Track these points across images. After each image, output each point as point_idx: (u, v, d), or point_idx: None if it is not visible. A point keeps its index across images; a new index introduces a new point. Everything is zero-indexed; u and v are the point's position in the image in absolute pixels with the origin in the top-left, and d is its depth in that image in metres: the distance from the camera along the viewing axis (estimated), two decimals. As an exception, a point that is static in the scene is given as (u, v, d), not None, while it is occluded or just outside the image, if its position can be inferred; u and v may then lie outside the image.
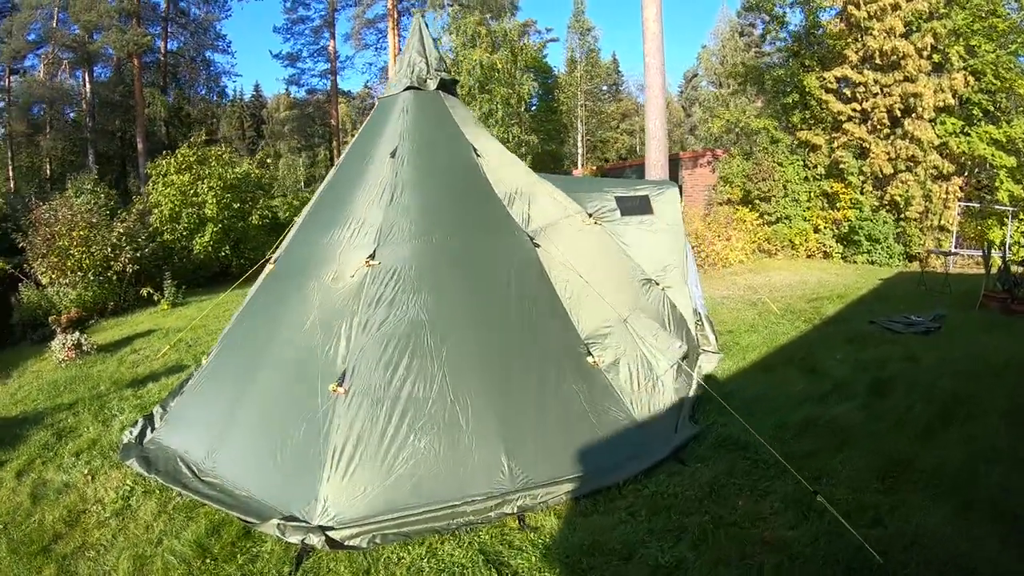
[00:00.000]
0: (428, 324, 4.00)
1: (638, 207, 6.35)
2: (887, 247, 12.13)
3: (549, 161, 30.97)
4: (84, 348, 7.24)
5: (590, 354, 4.22)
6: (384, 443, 3.56)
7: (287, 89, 35.99)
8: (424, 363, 3.82)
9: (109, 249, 9.36)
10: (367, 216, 4.72)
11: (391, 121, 5.27)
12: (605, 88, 38.85)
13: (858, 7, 12.15)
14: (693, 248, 11.27)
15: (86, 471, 4.33)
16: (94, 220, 9.55)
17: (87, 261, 9.09)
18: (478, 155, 5.12)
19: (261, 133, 39.12)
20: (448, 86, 5.52)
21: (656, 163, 11.84)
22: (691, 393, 4.79)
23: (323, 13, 31.62)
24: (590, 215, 5.76)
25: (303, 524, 3.25)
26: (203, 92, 30.20)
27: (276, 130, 37.64)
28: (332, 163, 34.85)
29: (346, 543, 3.16)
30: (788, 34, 13.67)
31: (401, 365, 3.83)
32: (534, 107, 31.38)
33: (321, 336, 4.22)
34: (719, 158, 13.97)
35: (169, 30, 27.62)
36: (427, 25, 5.51)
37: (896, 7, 11.99)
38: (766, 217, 12.77)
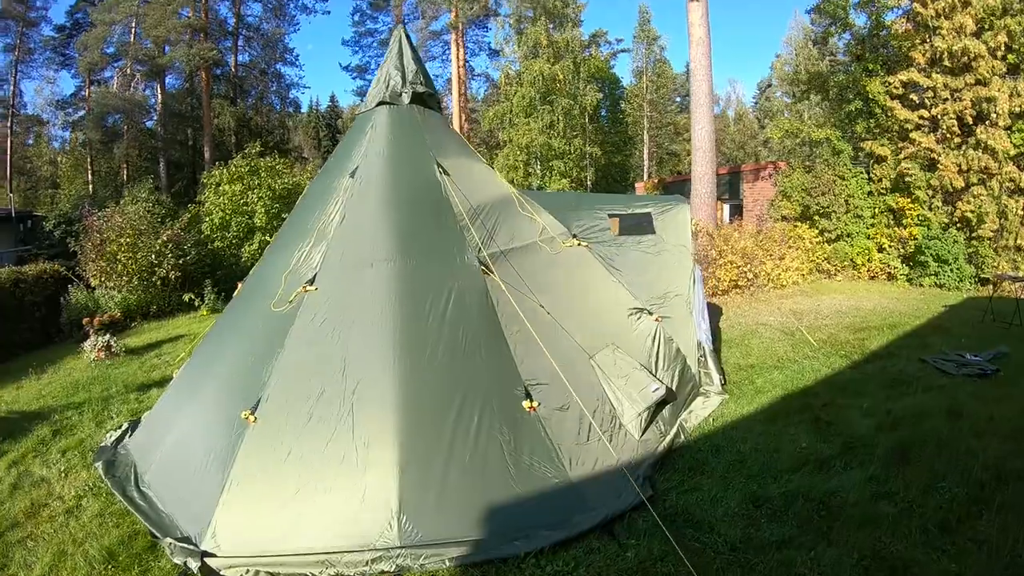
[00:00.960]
0: (348, 358, 3.79)
1: (637, 226, 5.73)
2: (957, 269, 10.44)
3: (616, 173, 30.02)
4: (113, 350, 7.62)
5: (528, 396, 3.71)
6: (279, 477, 3.41)
7: (363, 100, 37.27)
8: (333, 399, 3.62)
9: (154, 256, 9.88)
10: (316, 239, 4.48)
11: (359, 139, 5.04)
12: (679, 100, 37.19)
13: (925, 5, 10.61)
14: (739, 268, 10.29)
15: (63, 469, 4.57)
16: (142, 228, 10.12)
17: (132, 266, 9.68)
18: (444, 172, 4.70)
19: (336, 142, 40.71)
20: (425, 100, 5.14)
21: (703, 175, 10.92)
22: (662, 447, 4.10)
23: (391, 25, 32.49)
24: (575, 236, 5.19)
25: (191, 547, 3.21)
26: (276, 103, 31.76)
27: (329, 141, 39.19)
28: None
29: (220, 572, 3.08)
30: (851, 35, 12.16)
31: (311, 399, 3.65)
32: (604, 118, 30.58)
33: (253, 361, 4.06)
34: (781, 171, 12.69)
35: (239, 44, 29.27)
36: (408, 37, 5.19)
37: (966, 3, 10.33)
38: (826, 235, 11.39)
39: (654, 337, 5.04)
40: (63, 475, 4.42)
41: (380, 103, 5.11)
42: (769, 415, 4.93)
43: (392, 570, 2.97)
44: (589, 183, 24.37)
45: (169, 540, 3.29)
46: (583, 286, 4.95)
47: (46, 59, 29.38)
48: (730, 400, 5.26)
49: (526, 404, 3.70)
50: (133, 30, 25.82)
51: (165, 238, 10.34)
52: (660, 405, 4.47)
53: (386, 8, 32.00)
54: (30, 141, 30.37)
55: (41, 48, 29.03)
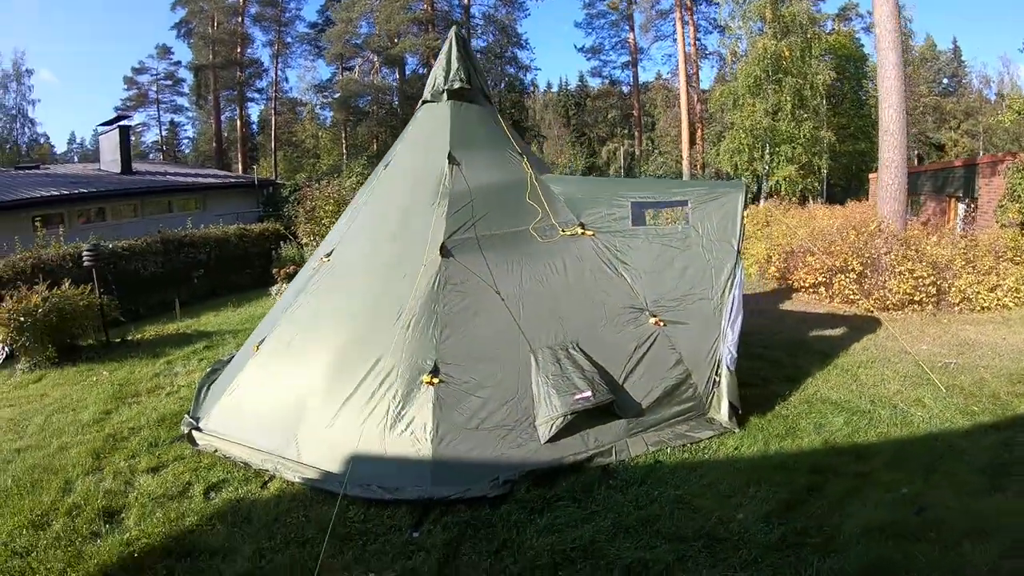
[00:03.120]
0: (326, 315, 4.68)
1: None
2: None
3: (859, 160, 24.76)
4: (290, 295, 9.65)
5: (434, 372, 3.97)
6: (254, 390, 4.56)
7: (609, 79, 37.51)
8: (303, 345, 4.57)
9: (352, 220, 12.14)
10: (348, 220, 5.56)
11: (402, 135, 5.71)
12: (946, 81, 28.69)
13: None
14: (919, 279, 7.90)
15: (191, 369, 6.49)
16: (348, 197, 12.47)
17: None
18: (455, 162, 4.93)
19: (585, 120, 41.21)
20: (464, 94, 5.38)
21: (890, 162, 8.59)
22: (573, 459, 3.76)
23: (622, 8, 31.76)
24: (582, 224, 4.82)
25: (192, 422, 4.61)
26: (503, 84, 33.87)
27: (587, 120, 39.59)
28: (636, 152, 35.57)
29: (197, 440, 4.39)
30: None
31: (293, 341, 4.66)
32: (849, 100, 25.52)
33: (282, 308, 5.28)
34: (1015, 164, 9.03)
35: (473, 31, 31.85)
36: (459, 37, 5.44)
37: None
38: (1058, 248, 7.76)
39: (644, 342, 4.46)
40: (188, 373, 6.34)
41: (424, 102, 5.52)
42: (759, 466, 3.88)
43: (270, 471, 3.83)
44: (824, 171, 20.68)
45: (187, 416, 4.75)
46: (567, 277, 4.63)
47: (303, 51, 37.25)
48: (736, 437, 4.32)
49: (425, 377, 3.89)
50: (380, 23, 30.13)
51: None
52: (604, 416, 4.00)
53: (615, -11, 31.50)
54: (303, 114, 37.70)
55: (297, 42, 36.79)
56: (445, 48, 5.55)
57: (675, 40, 30.89)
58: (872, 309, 8.19)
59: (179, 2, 33.40)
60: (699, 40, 30.86)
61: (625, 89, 37.59)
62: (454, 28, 5.77)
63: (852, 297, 8.35)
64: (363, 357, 4.14)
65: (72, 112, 66.63)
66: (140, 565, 3.00)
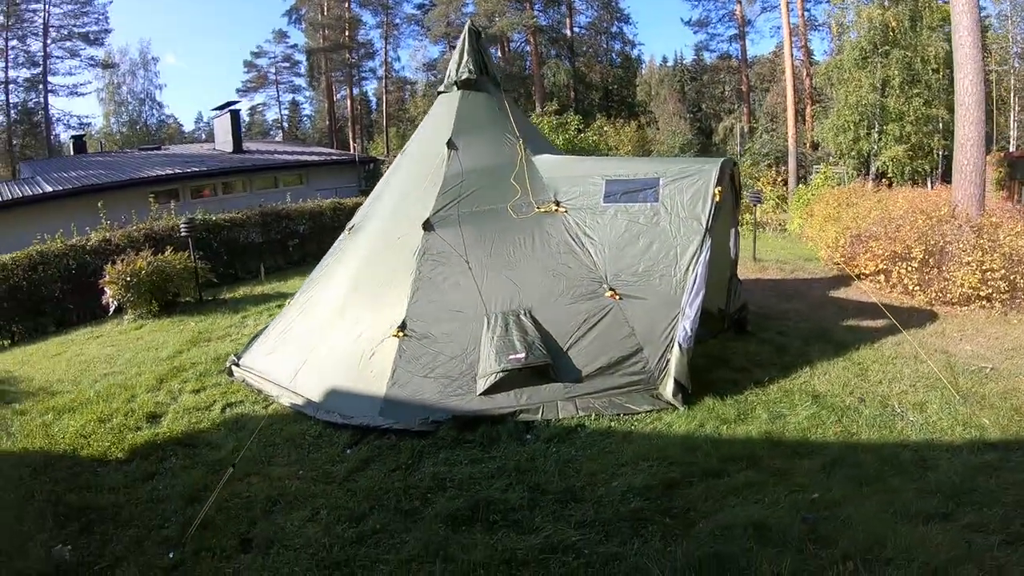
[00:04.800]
0: (331, 277, 5.56)
1: (632, 194, 4.91)
2: None
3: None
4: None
5: (402, 327, 4.60)
6: (279, 336, 5.49)
7: (718, 53, 34.71)
8: (316, 299, 5.47)
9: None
10: (371, 200, 6.34)
11: (420, 123, 6.16)
12: None
13: None
14: (988, 272, 6.77)
15: (259, 322, 7.60)
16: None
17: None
18: (453, 147, 5.41)
19: (700, 93, 38.55)
20: (472, 84, 5.77)
21: (966, 140, 7.45)
22: (501, 412, 4.20)
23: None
24: (557, 202, 4.97)
25: (233, 358, 5.67)
26: (617, 60, 32.43)
27: (701, 95, 36.84)
28: (745, 128, 32.76)
29: (233, 373, 5.48)
30: None
31: (310, 299, 5.55)
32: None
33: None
34: None
35: (575, 9, 30.46)
36: (471, 31, 5.86)
37: None
38: None
39: (596, 314, 4.58)
40: (256, 326, 7.42)
41: (439, 93, 5.94)
42: (676, 444, 3.77)
43: (274, 396, 4.77)
44: (939, 152, 17.75)
45: (232, 355, 5.84)
46: (533, 251, 4.90)
47: (412, 31, 37.77)
48: (675, 414, 4.24)
49: (394, 331, 4.57)
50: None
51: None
52: (541, 378, 4.22)
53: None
54: (419, 91, 37.71)
55: (405, 22, 37.33)
56: (459, 43, 5.89)
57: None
58: (933, 302, 7.11)
59: (289, -11, 35.34)
60: (808, 11, 27.16)
61: (736, 63, 34.31)
62: (468, 22, 6.05)
63: (911, 288, 7.31)
64: (354, 313, 5.04)
65: (200, 93, 73.86)
66: (158, 447, 4.17)
